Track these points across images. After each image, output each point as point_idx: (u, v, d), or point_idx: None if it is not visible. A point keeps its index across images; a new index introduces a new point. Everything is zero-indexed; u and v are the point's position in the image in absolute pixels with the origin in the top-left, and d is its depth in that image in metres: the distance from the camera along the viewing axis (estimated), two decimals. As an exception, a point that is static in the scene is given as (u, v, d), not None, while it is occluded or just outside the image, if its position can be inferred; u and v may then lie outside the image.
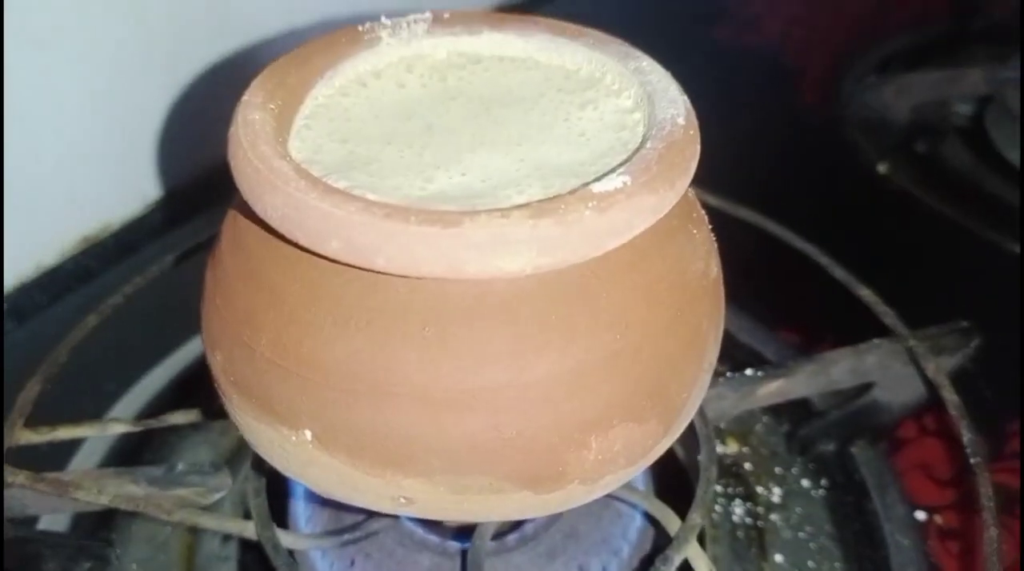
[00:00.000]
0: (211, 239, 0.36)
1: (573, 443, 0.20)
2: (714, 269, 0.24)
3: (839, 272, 0.34)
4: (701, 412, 0.30)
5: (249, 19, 0.53)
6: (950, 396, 0.30)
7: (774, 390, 0.32)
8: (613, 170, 0.20)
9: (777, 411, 0.38)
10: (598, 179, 0.20)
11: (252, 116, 0.21)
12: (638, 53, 0.24)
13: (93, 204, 0.51)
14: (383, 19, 0.26)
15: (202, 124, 0.53)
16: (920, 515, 0.34)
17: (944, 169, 0.51)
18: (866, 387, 0.34)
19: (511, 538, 0.29)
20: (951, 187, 0.50)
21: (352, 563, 0.28)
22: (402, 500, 0.21)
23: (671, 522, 0.27)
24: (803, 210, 0.51)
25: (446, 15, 0.26)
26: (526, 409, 0.20)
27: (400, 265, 0.18)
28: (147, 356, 0.37)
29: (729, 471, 0.36)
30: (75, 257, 0.50)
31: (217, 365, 0.22)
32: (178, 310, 0.38)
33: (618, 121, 0.23)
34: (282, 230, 0.19)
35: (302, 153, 0.22)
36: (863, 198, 0.52)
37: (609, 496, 0.30)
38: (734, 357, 0.40)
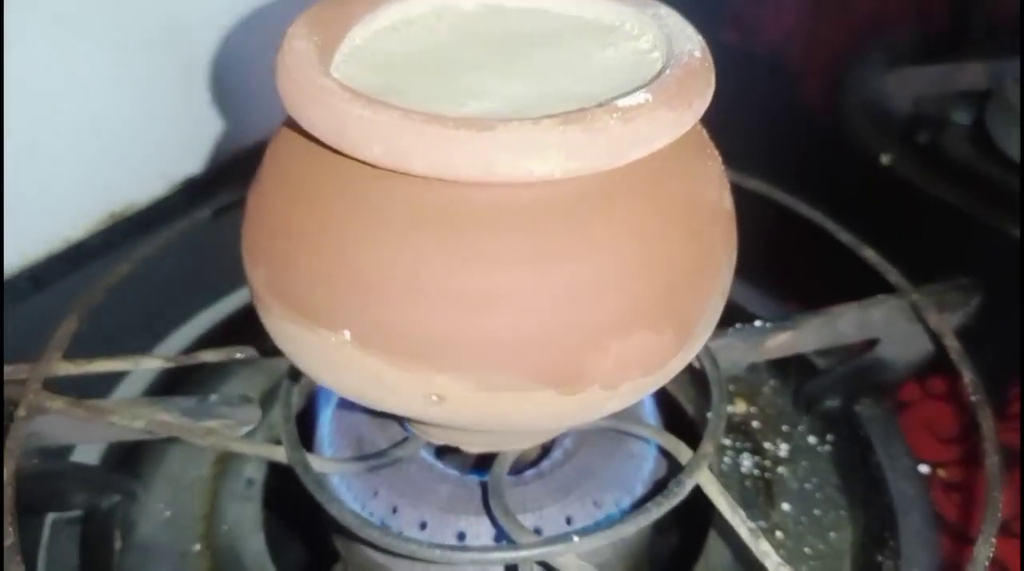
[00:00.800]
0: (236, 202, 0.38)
1: (593, 345, 0.22)
2: (726, 201, 0.25)
3: (845, 236, 0.36)
4: (712, 360, 0.32)
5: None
6: (952, 343, 0.31)
7: (782, 342, 0.33)
8: (637, 89, 0.22)
9: (784, 372, 0.39)
10: (622, 96, 0.21)
11: (297, 44, 0.23)
12: (654, 1, 0.26)
13: (120, 182, 0.52)
14: (415, -30, 0.27)
15: (227, 108, 0.55)
16: (924, 469, 0.35)
17: (945, 159, 0.53)
18: (871, 344, 0.35)
19: (528, 473, 0.30)
20: (952, 176, 0.51)
21: (375, 494, 0.29)
22: (433, 398, 0.22)
23: (683, 453, 0.28)
24: (808, 201, 0.53)
25: (474, -30, 0.28)
26: (548, 309, 0.21)
27: (437, 167, 0.20)
28: (180, 306, 0.38)
29: (738, 428, 0.37)
30: (101, 232, 0.52)
31: (260, 280, 0.24)
32: (211, 263, 0.40)
33: (637, 59, 0.24)
34: (327, 139, 0.21)
35: (345, 82, 0.23)
36: (867, 188, 0.53)
37: (622, 433, 0.31)
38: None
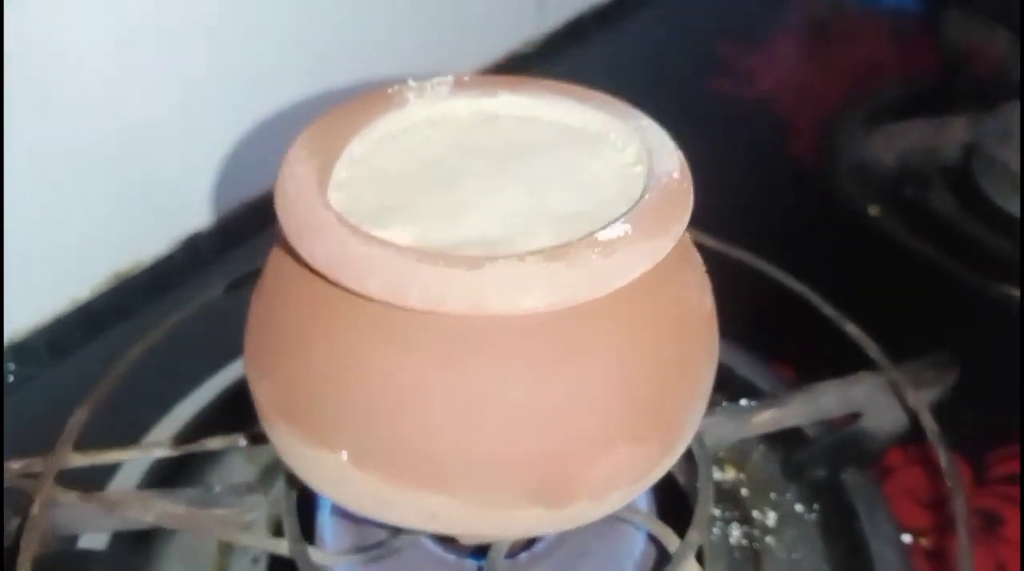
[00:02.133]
0: (241, 279, 0.39)
1: (580, 462, 0.23)
2: (707, 304, 0.26)
3: (828, 309, 0.37)
4: (699, 439, 0.33)
5: (278, 78, 0.56)
6: (929, 424, 0.32)
7: (767, 419, 0.34)
8: (616, 219, 0.23)
9: (772, 440, 0.40)
10: (603, 228, 0.22)
11: (296, 170, 0.24)
12: (638, 113, 0.27)
13: (125, 241, 0.54)
14: (410, 82, 0.29)
15: (231, 166, 0.57)
16: (906, 538, 0.36)
17: (932, 214, 0.54)
18: (854, 416, 0.36)
19: (523, 556, 0.31)
20: (939, 231, 0.53)
21: (376, 579, 0.30)
22: (429, 515, 0.23)
23: (671, 541, 0.30)
24: (794, 253, 0.54)
25: (466, 78, 0.29)
26: (536, 430, 0.22)
27: (430, 302, 0.21)
28: (183, 384, 0.39)
29: (727, 496, 0.38)
30: (107, 293, 0.53)
31: (263, 393, 0.25)
32: (207, 343, 0.41)
33: (621, 173, 0.26)
34: (325, 272, 0.22)
35: (340, 203, 0.25)
36: (853, 242, 0.55)
37: (615, 517, 0.32)
38: (731, 388, 0.42)
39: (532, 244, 0.23)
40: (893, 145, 0.54)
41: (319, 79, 0.59)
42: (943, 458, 0.31)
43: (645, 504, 0.33)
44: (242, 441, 0.33)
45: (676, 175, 0.24)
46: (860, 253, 0.54)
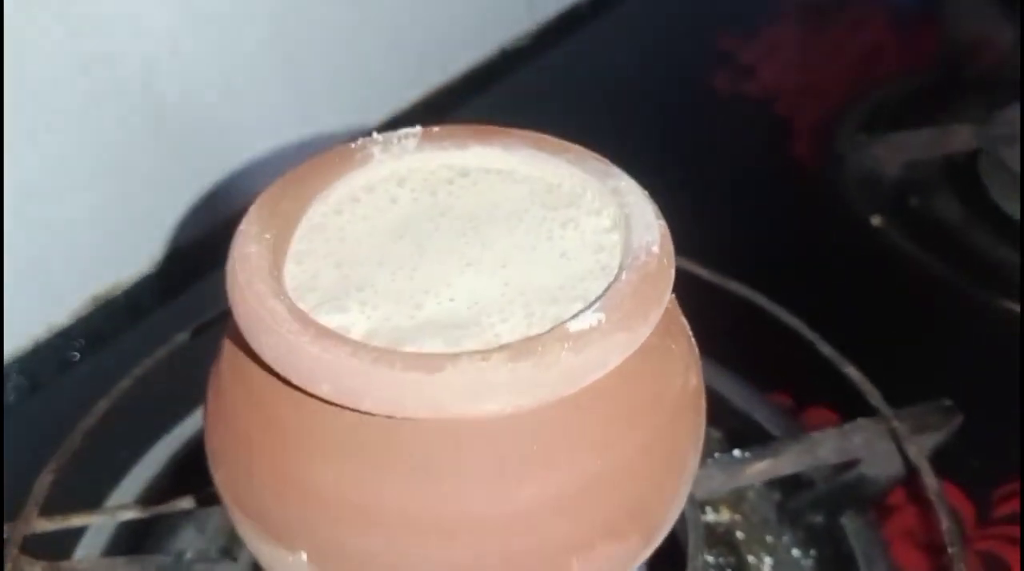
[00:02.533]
0: (211, 322, 0.38)
1: (555, 566, 0.21)
2: (693, 381, 0.25)
3: (826, 348, 0.35)
4: (690, 497, 0.31)
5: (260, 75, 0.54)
6: (930, 481, 0.30)
7: (762, 469, 0.33)
8: (590, 305, 0.21)
9: (769, 480, 0.38)
10: (574, 317, 0.21)
11: (247, 250, 0.22)
12: (616, 171, 0.25)
13: (101, 264, 0.52)
14: (375, 135, 0.27)
15: (206, 186, 0.55)
16: (906, 585, 0.35)
17: (938, 223, 0.52)
18: (853, 461, 0.35)
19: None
20: (944, 241, 0.51)
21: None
22: (394, 619, 0.22)
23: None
24: (796, 261, 0.53)
25: (435, 130, 0.27)
26: (508, 537, 0.21)
27: (386, 407, 0.19)
28: (150, 434, 0.38)
29: (721, 540, 0.37)
30: (86, 317, 0.52)
31: (219, 481, 0.24)
32: (172, 392, 0.40)
33: (597, 242, 0.24)
34: (276, 369, 0.20)
35: (298, 279, 0.23)
36: (856, 251, 0.53)
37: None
38: (727, 422, 0.41)
39: (500, 327, 0.22)
40: (898, 154, 0.52)
41: (302, 74, 0.57)
42: (944, 520, 0.29)
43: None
44: (208, 500, 0.31)
45: (656, 249, 0.22)
46: (862, 264, 0.52)
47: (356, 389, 0.19)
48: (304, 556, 0.22)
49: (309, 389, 0.20)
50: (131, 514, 0.31)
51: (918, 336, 0.46)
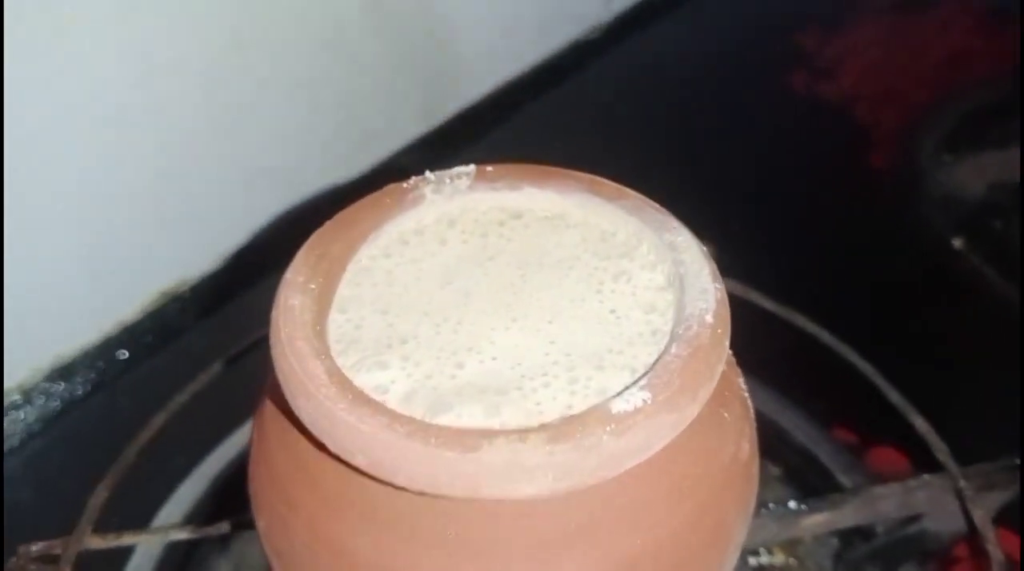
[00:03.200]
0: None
1: (591, 644, 0.21)
2: (746, 450, 0.24)
3: (894, 396, 0.33)
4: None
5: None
6: (995, 552, 0.29)
7: (818, 522, 0.32)
8: (636, 381, 0.20)
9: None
10: (619, 395, 0.20)
11: (292, 302, 0.22)
12: (675, 224, 0.24)
13: (170, 260, 0.53)
14: (427, 174, 0.26)
15: (271, 183, 0.55)
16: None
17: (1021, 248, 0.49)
18: (916, 515, 0.33)
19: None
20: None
21: None
22: None
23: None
24: (869, 280, 0.50)
25: (489, 169, 0.26)
26: (543, 616, 0.20)
27: (420, 484, 0.19)
28: (205, 448, 0.38)
29: (773, 584, 0.36)
30: (155, 311, 0.53)
31: (260, 528, 0.24)
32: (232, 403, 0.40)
33: (649, 301, 0.23)
34: (313, 432, 0.20)
35: (343, 328, 0.23)
36: (936, 271, 0.50)
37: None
38: (787, 458, 0.40)
39: (542, 394, 0.21)
40: (980, 176, 0.49)
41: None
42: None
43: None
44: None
45: (709, 319, 0.21)
46: (939, 287, 0.50)
47: (390, 463, 0.19)
48: (336, 618, 0.22)
49: (344, 458, 0.20)
50: (181, 535, 0.32)
51: (993, 373, 0.44)
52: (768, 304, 0.37)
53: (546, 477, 0.19)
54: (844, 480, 0.38)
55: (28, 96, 0.41)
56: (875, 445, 0.41)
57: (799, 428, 0.40)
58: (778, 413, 0.40)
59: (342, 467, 0.20)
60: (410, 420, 0.19)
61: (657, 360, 0.21)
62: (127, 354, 0.50)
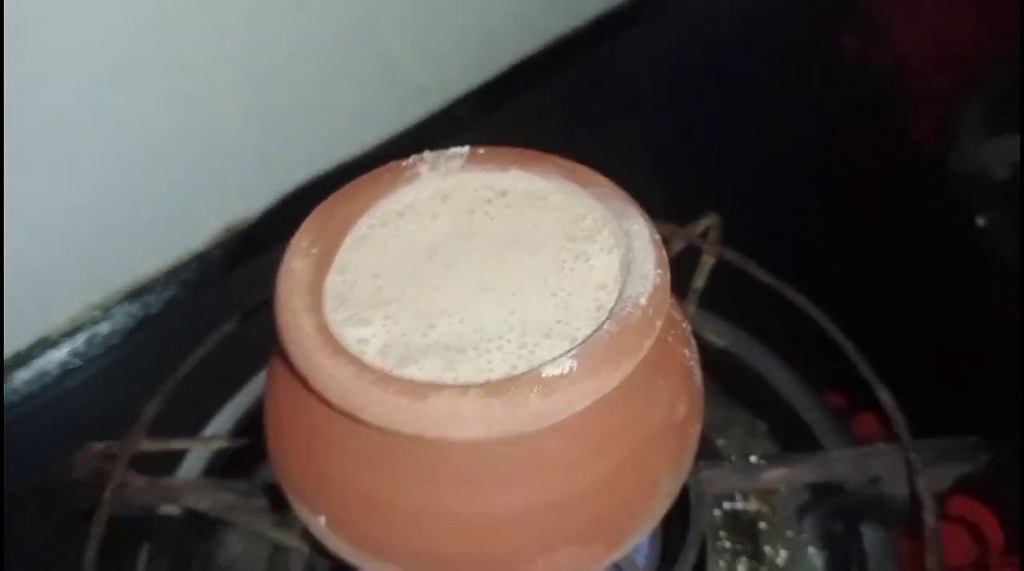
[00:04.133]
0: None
1: (520, 559, 0.25)
2: (680, 413, 0.27)
3: (866, 371, 0.36)
4: (700, 489, 0.34)
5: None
6: (928, 517, 0.32)
7: (776, 477, 0.35)
8: (570, 349, 0.24)
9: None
10: (551, 361, 0.23)
11: (293, 264, 0.26)
12: (635, 212, 0.27)
13: (235, 196, 0.58)
14: (425, 153, 0.30)
15: (321, 129, 0.60)
16: (913, 600, 0.36)
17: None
18: (879, 477, 0.36)
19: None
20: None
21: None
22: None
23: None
24: (893, 249, 0.52)
25: (481, 151, 0.30)
26: (480, 536, 0.25)
27: (380, 422, 0.23)
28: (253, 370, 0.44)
29: (744, 528, 0.39)
30: (220, 243, 0.58)
31: (272, 462, 0.28)
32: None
33: (601, 281, 0.26)
34: (300, 374, 0.25)
35: (338, 289, 0.27)
36: (957, 248, 0.51)
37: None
38: (775, 416, 0.43)
39: (495, 355, 0.25)
40: (1004, 157, 0.49)
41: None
42: (931, 550, 0.31)
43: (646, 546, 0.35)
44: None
45: (643, 302, 0.25)
46: (963, 260, 0.51)
47: (357, 404, 0.23)
48: (323, 520, 0.26)
49: (324, 396, 0.24)
50: (219, 444, 0.38)
51: (995, 347, 0.46)
52: (762, 275, 0.39)
53: (481, 425, 0.23)
54: (825, 441, 0.41)
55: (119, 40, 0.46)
56: (862, 411, 0.43)
57: (791, 390, 0.43)
58: (772, 375, 0.43)
59: (323, 405, 0.25)
60: (376, 371, 0.24)
61: (592, 333, 0.24)
62: (195, 279, 0.56)
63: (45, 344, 0.51)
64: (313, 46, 0.56)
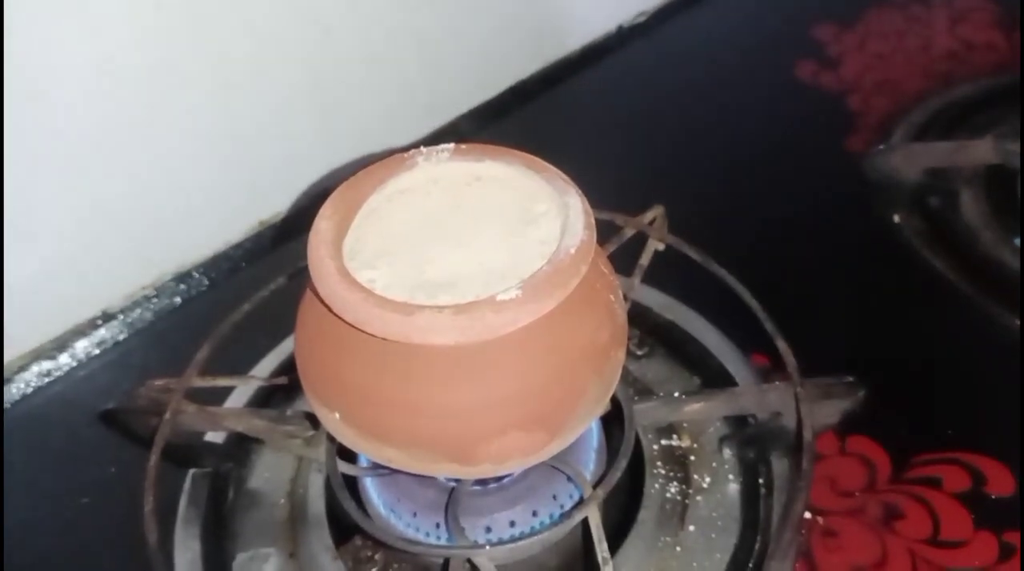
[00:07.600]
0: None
1: (480, 440, 0.34)
2: (603, 338, 0.36)
3: (769, 325, 0.45)
4: (631, 417, 0.43)
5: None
6: (807, 435, 0.40)
7: (695, 409, 0.44)
8: (518, 284, 0.33)
9: (727, 419, 0.49)
10: (504, 291, 0.33)
11: (321, 225, 0.36)
12: (572, 190, 0.37)
13: (268, 193, 0.68)
14: (420, 149, 0.39)
15: (342, 139, 0.69)
16: (807, 515, 0.45)
17: (956, 227, 0.59)
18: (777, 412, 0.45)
19: (492, 486, 0.43)
20: (959, 247, 0.57)
21: (388, 491, 0.44)
22: (386, 459, 0.36)
23: (587, 492, 0.41)
24: (815, 246, 0.61)
25: (463, 147, 0.39)
26: (450, 419, 0.34)
27: (379, 333, 0.33)
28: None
29: (677, 460, 0.48)
30: (254, 236, 0.68)
31: (300, 373, 0.38)
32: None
33: (546, 238, 0.36)
34: (325, 301, 0.34)
35: (352, 246, 0.36)
36: (874, 245, 0.60)
37: (558, 467, 0.43)
38: (705, 371, 0.52)
39: (467, 290, 0.34)
40: (913, 164, 0.59)
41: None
42: (804, 469, 0.39)
43: (593, 463, 0.44)
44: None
45: (572, 252, 0.34)
46: (879, 257, 0.60)
47: (364, 320, 0.33)
48: (338, 416, 0.36)
49: (341, 316, 0.33)
50: (259, 382, 0.47)
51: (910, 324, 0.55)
52: (693, 254, 0.49)
53: (453, 334, 0.32)
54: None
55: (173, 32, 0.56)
56: (783, 369, 0.52)
57: (721, 351, 0.52)
58: (705, 337, 0.52)
59: (340, 322, 0.34)
60: (378, 297, 0.33)
61: (534, 273, 0.34)
62: (233, 265, 0.66)
63: (106, 316, 0.61)
64: (333, 69, 0.66)
